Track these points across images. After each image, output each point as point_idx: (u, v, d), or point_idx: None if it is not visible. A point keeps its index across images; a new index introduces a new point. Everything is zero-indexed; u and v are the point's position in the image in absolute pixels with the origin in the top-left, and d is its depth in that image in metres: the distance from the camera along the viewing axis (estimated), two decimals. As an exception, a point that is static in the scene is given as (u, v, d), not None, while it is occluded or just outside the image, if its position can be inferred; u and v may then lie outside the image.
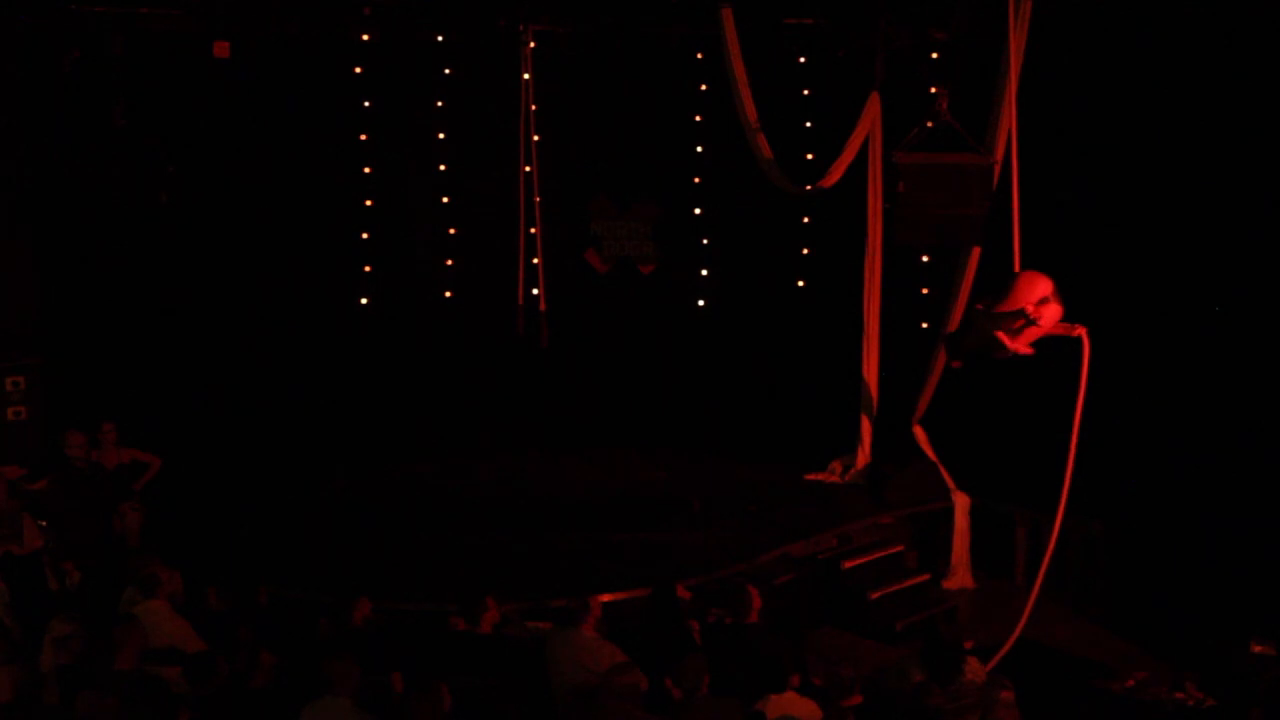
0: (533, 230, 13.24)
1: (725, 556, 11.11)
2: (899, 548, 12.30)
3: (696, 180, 14.79)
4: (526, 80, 12.78)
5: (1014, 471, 11.80)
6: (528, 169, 13.01)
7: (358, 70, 13.60)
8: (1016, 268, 8.86)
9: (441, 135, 14.22)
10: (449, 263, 14.56)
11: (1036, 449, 12.39)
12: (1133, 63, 11.38)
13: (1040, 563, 9.07)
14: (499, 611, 8.60)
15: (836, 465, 13.66)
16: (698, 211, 14.88)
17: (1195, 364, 11.40)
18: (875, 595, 11.49)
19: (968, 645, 8.39)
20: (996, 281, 8.53)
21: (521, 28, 12.75)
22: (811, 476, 13.63)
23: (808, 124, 13.89)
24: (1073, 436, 8.29)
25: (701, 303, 15.00)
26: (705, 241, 14.94)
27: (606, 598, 9.04)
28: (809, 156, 13.32)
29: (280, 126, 13.33)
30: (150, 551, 9.79)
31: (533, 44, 12.75)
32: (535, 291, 13.33)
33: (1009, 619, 9.40)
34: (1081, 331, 8.07)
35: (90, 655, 7.07)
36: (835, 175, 12.66)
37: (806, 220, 14.46)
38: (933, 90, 11.92)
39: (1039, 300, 7.97)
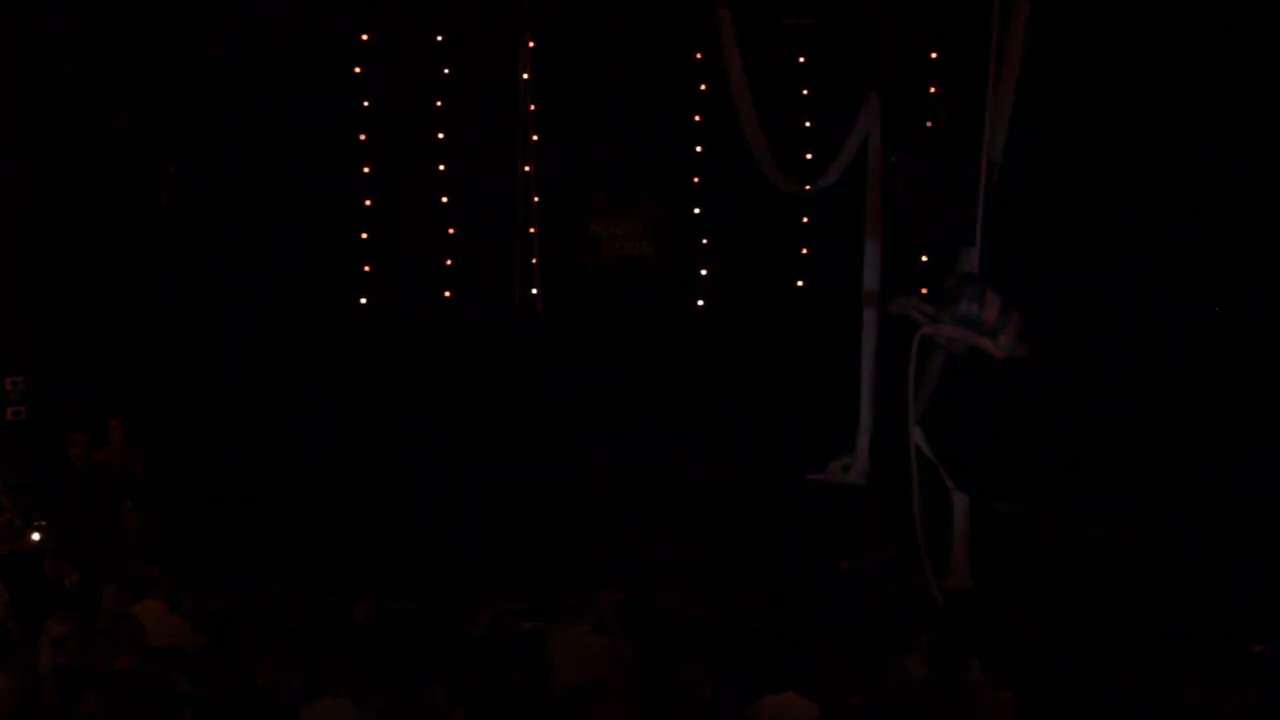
0: (531, 230, 13.24)
1: (724, 557, 11.11)
2: (898, 548, 12.29)
3: (696, 180, 14.77)
4: (526, 80, 12.79)
5: (1014, 471, 11.80)
6: (527, 168, 13.01)
7: (358, 70, 13.59)
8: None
9: (441, 135, 14.20)
10: (449, 263, 14.55)
11: (1036, 449, 12.49)
12: (1133, 61, 11.39)
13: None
14: (495, 611, 8.60)
15: (836, 465, 13.65)
16: (697, 211, 14.85)
17: (1194, 364, 11.40)
18: (874, 595, 11.48)
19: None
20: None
21: (521, 28, 12.75)
22: (811, 476, 13.63)
23: (807, 124, 13.87)
24: None
25: (701, 303, 14.98)
26: (705, 241, 14.92)
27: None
28: (809, 156, 13.30)
29: (280, 126, 13.32)
30: (145, 552, 9.80)
31: (532, 44, 12.75)
32: (534, 291, 13.34)
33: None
34: None
35: (90, 655, 7.07)
36: (835, 175, 12.67)
37: (806, 220, 14.43)
38: (932, 90, 11.93)
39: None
